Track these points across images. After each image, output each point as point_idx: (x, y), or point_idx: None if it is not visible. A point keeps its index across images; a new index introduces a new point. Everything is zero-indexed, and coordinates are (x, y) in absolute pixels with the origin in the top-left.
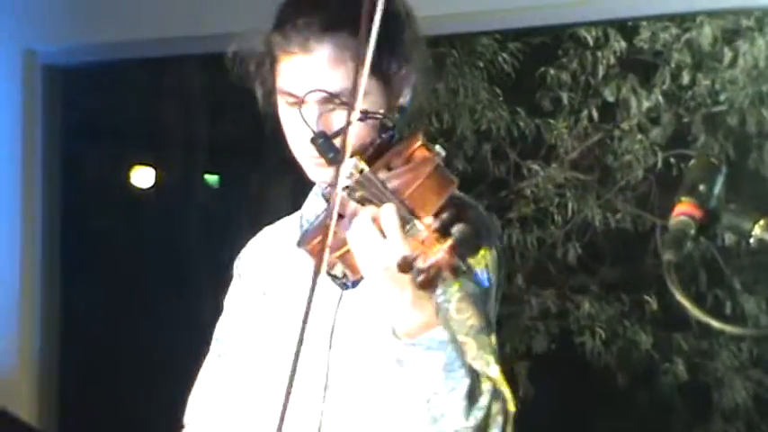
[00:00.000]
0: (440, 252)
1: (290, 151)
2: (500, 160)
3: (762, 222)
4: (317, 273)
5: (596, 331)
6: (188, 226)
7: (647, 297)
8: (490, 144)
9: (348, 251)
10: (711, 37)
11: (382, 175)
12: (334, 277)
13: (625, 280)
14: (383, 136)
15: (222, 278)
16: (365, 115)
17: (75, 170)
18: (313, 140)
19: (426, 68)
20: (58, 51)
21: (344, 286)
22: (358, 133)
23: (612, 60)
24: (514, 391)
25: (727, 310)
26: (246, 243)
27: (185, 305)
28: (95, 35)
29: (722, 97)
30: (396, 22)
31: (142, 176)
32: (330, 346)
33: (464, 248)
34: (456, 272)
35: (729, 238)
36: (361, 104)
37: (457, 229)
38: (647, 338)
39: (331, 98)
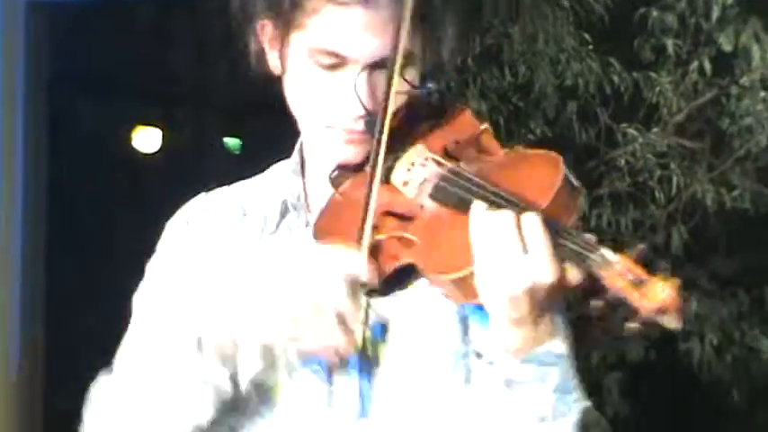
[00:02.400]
0: (665, 291)
1: (294, 120)
2: (588, 123)
3: None
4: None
5: (706, 336)
6: None
7: None
8: (576, 103)
9: (468, 276)
10: None
11: (468, 167)
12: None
13: (743, 272)
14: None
15: None
16: (426, 89)
17: (65, 129)
18: (368, 125)
19: (464, 14)
20: None
21: (371, 293)
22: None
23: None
24: (603, 410)
25: None
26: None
27: None
28: None
29: None
30: None
31: (147, 138)
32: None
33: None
34: (682, 318)
35: None
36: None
37: (665, 264)
38: None
39: (384, 63)
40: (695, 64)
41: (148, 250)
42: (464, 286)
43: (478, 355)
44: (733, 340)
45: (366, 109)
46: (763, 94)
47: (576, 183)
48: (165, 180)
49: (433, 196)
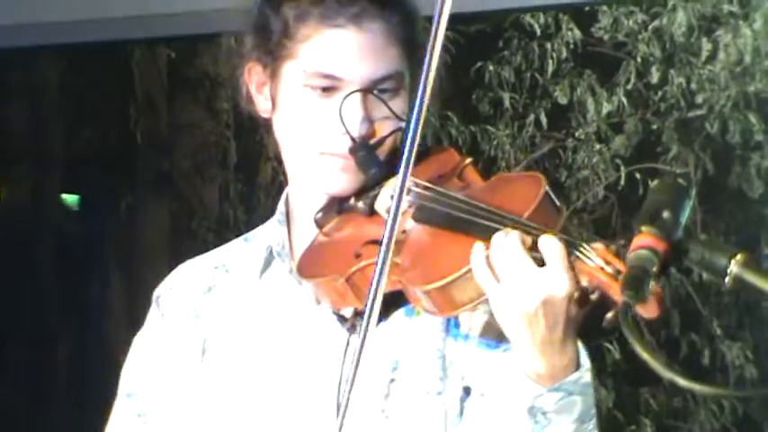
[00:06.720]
0: None
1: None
2: None
3: (738, 257)
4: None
5: None
6: (38, 258)
7: (607, 344)
8: None
9: (450, 283)
10: (686, 25)
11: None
12: (341, 318)
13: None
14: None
15: (81, 321)
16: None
17: None
18: (352, 151)
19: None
20: None
21: (353, 330)
22: (395, 142)
23: (565, 54)
24: None
25: (705, 360)
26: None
27: (32, 356)
28: None
29: (699, 99)
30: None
31: None
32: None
33: None
34: (661, 307)
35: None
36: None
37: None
38: (609, 395)
39: (375, 87)
40: (532, 117)
41: None
42: (448, 295)
43: (467, 391)
44: None
45: (352, 138)
46: (598, 146)
47: (557, 202)
48: (2, 237)
49: (416, 217)
